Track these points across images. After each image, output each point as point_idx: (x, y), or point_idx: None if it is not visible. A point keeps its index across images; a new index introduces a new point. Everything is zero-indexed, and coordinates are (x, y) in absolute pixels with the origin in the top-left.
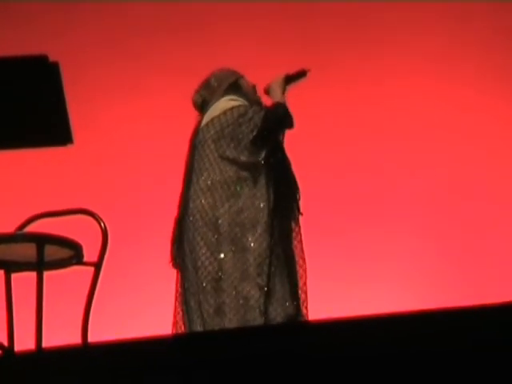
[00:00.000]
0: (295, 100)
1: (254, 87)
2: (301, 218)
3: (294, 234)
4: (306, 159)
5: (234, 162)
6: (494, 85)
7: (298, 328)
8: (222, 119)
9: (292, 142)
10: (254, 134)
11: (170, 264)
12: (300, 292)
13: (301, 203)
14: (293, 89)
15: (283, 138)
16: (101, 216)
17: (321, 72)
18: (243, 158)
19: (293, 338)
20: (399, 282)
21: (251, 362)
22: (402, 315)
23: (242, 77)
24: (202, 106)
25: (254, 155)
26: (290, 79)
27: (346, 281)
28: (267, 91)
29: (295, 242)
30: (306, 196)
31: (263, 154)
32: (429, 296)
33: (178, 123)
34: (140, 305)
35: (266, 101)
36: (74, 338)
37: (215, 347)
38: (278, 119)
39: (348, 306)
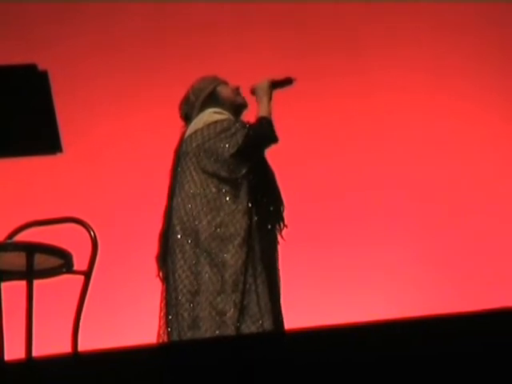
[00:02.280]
0: (284, 110)
1: (237, 89)
2: (291, 229)
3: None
4: (294, 170)
5: (214, 176)
6: (490, 97)
7: (277, 337)
8: (204, 132)
9: (281, 152)
10: (234, 150)
11: (158, 278)
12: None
13: (285, 216)
14: (283, 98)
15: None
16: (91, 225)
17: (314, 82)
18: (224, 174)
19: (274, 347)
20: (388, 290)
21: (234, 371)
22: (390, 322)
23: (220, 84)
24: (186, 120)
25: (234, 171)
26: (275, 85)
27: (336, 289)
28: (253, 92)
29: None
30: (292, 208)
31: (244, 171)
32: (416, 304)
33: (172, 134)
34: (130, 313)
35: (251, 101)
36: (64, 347)
37: (200, 356)
38: (262, 137)
39: (338, 314)
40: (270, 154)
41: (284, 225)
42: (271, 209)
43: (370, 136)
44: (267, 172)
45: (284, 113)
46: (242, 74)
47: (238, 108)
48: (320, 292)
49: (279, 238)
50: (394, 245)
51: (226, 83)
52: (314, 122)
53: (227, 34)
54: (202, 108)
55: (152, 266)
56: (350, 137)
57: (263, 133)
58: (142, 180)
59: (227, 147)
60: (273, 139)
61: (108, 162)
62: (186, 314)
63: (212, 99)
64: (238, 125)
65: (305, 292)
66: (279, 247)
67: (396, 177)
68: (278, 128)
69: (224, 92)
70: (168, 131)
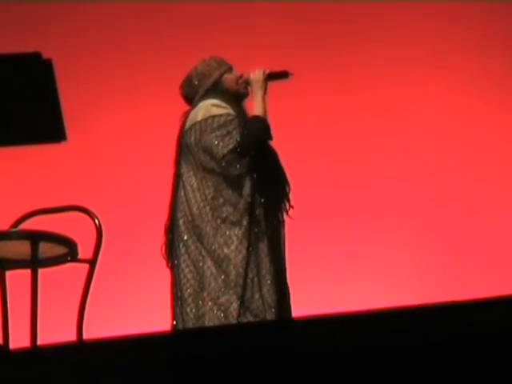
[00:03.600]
0: (284, 102)
1: (240, 77)
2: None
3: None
4: (296, 164)
5: (213, 171)
6: (492, 90)
7: (281, 325)
8: (202, 126)
9: (284, 143)
10: (227, 150)
11: (167, 268)
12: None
13: (291, 198)
14: (283, 90)
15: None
16: (95, 213)
17: (315, 74)
18: (220, 171)
19: (278, 334)
20: (388, 280)
21: (235, 359)
22: (388, 311)
23: (225, 71)
24: (187, 100)
25: (229, 169)
26: (270, 77)
27: (336, 278)
28: (247, 83)
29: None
30: (298, 199)
31: (243, 169)
32: (416, 292)
33: (173, 126)
34: (135, 301)
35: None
36: (69, 335)
37: (208, 344)
38: (256, 138)
39: (338, 303)
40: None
41: (290, 206)
42: (278, 199)
43: (371, 128)
44: (270, 159)
45: (285, 105)
46: (243, 69)
47: (239, 97)
48: (319, 281)
49: (287, 217)
50: (394, 234)
51: (230, 69)
52: (315, 114)
53: (228, 27)
54: (204, 95)
55: (157, 255)
56: (351, 128)
57: (257, 134)
58: (145, 170)
59: (220, 146)
60: (267, 139)
61: (111, 152)
62: (188, 309)
63: (216, 87)
64: (234, 123)
65: (304, 281)
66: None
67: (397, 168)
68: (279, 121)
69: (228, 82)
70: (169, 123)
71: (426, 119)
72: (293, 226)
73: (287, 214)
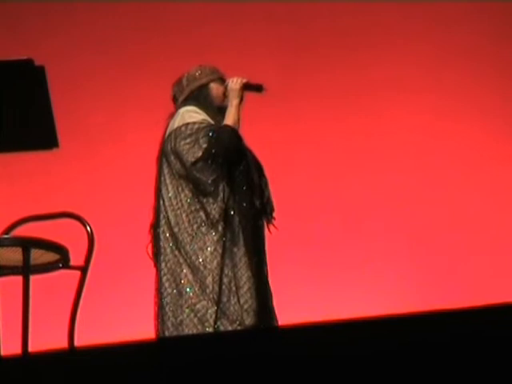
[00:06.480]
0: (276, 108)
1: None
2: (288, 228)
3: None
4: (289, 170)
5: (186, 179)
6: (490, 117)
7: (263, 334)
8: (177, 134)
9: (279, 147)
10: (195, 159)
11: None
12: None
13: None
14: (274, 95)
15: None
16: (87, 220)
17: (309, 78)
18: (192, 177)
19: (262, 342)
20: (377, 287)
21: (217, 368)
22: (376, 319)
23: (216, 80)
24: (174, 100)
25: (201, 177)
26: (246, 87)
27: (325, 286)
28: (225, 93)
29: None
30: (292, 209)
31: (214, 176)
32: (411, 300)
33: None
34: (126, 308)
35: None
36: (61, 342)
37: (189, 353)
38: (223, 148)
39: (334, 311)
40: (270, 156)
41: (272, 216)
42: (250, 205)
43: (366, 139)
44: (248, 167)
45: (276, 111)
46: (238, 73)
47: (221, 109)
48: (315, 289)
49: (271, 229)
50: (388, 243)
51: (222, 79)
52: (308, 120)
53: (223, 31)
54: (188, 97)
55: (149, 262)
56: (346, 136)
57: (225, 142)
58: (137, 176)
59: (189, 154)
60: (235, 149)
61: (103, 159)
62: (166, 318)
63: (201, 92)
64: (205, 130)
65: (300, 289)
66: (286, 242)
67: (393, 174)
68: (270, 127)
69: (215, 91)
70: (162, 129)
71: (422, 132)
72: (286, 238)
73: (271, 223)
